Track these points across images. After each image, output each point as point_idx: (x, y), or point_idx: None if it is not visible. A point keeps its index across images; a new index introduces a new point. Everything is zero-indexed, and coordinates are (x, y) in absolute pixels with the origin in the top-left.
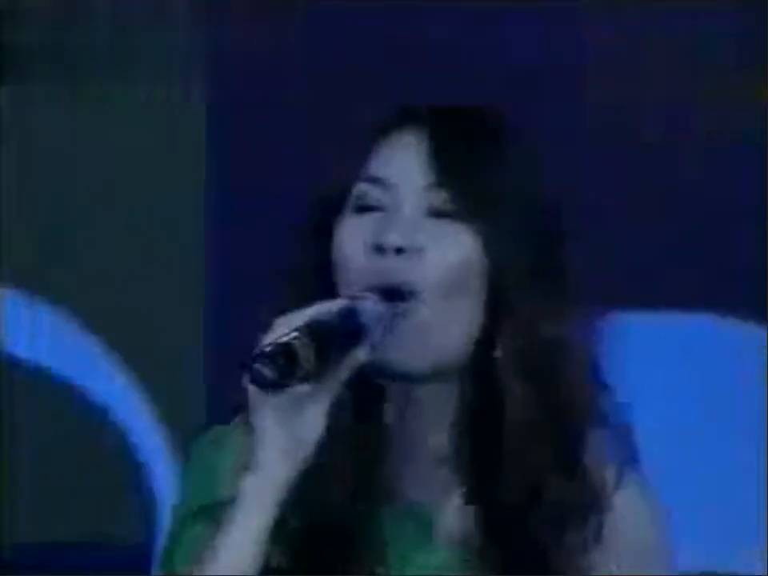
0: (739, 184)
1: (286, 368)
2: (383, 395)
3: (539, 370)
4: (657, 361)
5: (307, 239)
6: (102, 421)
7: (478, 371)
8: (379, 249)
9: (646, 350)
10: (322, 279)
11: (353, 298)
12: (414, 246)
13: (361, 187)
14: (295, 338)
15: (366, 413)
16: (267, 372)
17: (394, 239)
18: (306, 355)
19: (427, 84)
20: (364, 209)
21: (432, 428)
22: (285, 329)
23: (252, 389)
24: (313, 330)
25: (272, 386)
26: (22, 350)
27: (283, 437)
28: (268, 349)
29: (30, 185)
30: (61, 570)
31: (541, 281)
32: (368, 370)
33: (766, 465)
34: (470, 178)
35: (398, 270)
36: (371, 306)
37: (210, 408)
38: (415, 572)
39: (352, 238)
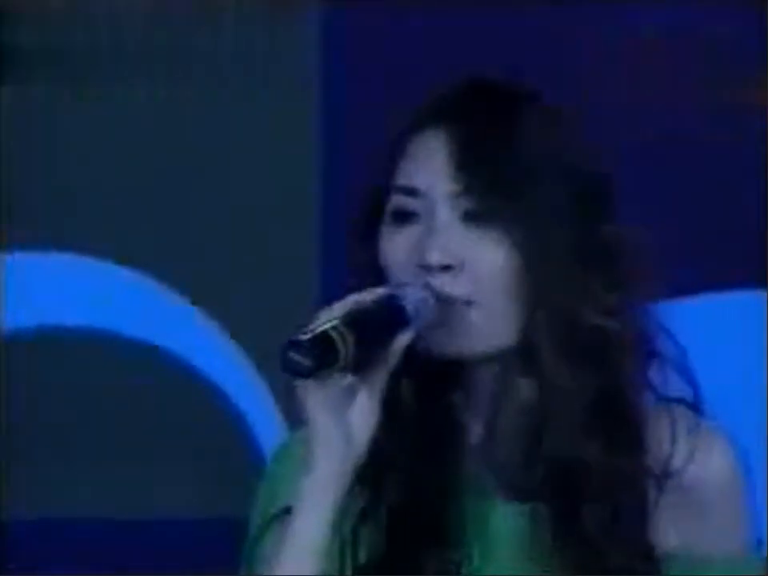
0: (739, 184)
1: (321, 356)
2: (446, 382)
3: (580, 355)
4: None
5: (356, 242)
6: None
7: (525, 359)
8: (425, 267)
9: None
10: (376, 278)
11: (395, 285)
12: (458, 259)
13: (394, 198)
14: (333, 327)
15: (429, 401)
16: (300, 360)
17: (438, 258)
18: (344, 343)
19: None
20: (402, 220)
21: (492, 412)
22: (324, 318)
23: (298, 384)
24: (353, 318)
25: (306, 375)
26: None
27: (335, 431)
28: (303, 337)
29: (30, 185)
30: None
31: (578, 268)
32: (420, 357)
33: (766, 456)
34: (498, 178)
35: (446, 285)
36: (414, 293)
37: None
38: (493, 567)
39: (396, 251)
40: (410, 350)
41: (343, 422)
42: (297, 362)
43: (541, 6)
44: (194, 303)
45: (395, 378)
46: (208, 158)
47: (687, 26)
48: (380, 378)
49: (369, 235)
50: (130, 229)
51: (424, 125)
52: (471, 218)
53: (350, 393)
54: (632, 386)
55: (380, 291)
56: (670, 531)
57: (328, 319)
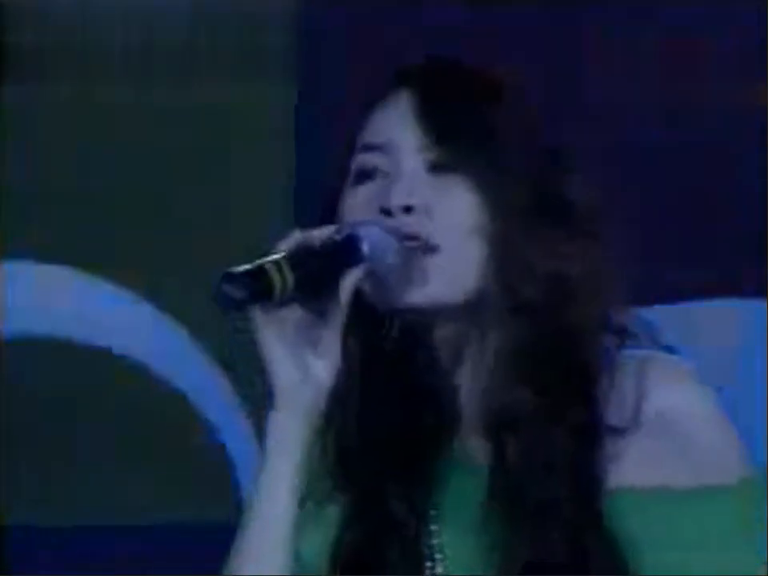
0: (739, 185)
1: (254, 288)
2: (406, 333)
3: (536, 303)
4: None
5: (321, 215)
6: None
7: (482, 310)
8: (387, 212)
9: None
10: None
11: (353, 224)
12: (421, 203)
13: (359, 157)
14: (273, 261)
15: (390, 352)
16: (232, 291)
17: (400, 199)
18: (281, 276)
19: None
20: (364, 177)
21: (461, 367)
22: (270, 255)
23: (247, 319)
24: (297, 253)
25: (238, 306)
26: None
27: (293, 365)
28: (237, 269)
29: (30, 184)
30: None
31: (542, 219)
32: (380, 307)
33: (766, 455)
34: (462, 130)
35: (408, 227)
36: (371, 231)
37: None
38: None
39: (357, 207)
40: (369, 299)
41: (300, 357)
42: (229, 294)
43: (542, 5)
44: (160, 309)
45: (356, 326)
46: (209, 157)
47: (687, 26)
48: (335, 316)
49: (334, 203)
50: (129, 231)
51: (387, 90)
52: (436, 168)
53: (306, 329)
54: (589, 334)
55: (333, 228)
56: (654, 470)
57: (271, 255)
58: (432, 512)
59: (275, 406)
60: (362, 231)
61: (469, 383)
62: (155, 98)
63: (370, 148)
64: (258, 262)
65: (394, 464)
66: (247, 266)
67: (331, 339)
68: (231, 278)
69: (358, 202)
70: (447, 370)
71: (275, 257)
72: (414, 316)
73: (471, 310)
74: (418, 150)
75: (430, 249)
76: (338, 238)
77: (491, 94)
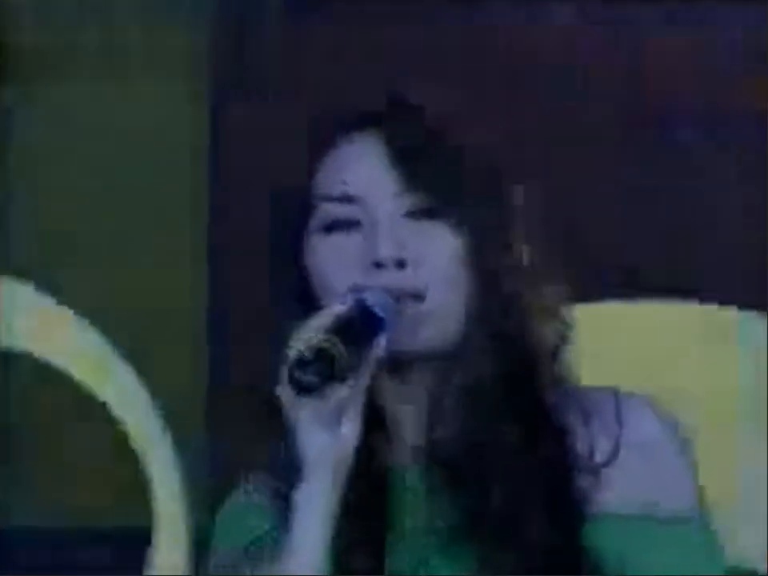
0: (739, 185)
1: (325, 372)
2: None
3: (516, 334)
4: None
5: (276, 255)
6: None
7: (461, 352)
8: (379, 265)
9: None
10: (299, 296)
11: (354, 292)
12: (412, 255)
13: (324, 207)
14: (326, 339)
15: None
16: (308, 379)
17: (392, 253)
18: (340, 355)
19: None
20: (335, 227)
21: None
22: (310, 332)
23: (289, 399)
24: (339, 329)
25: (316, 392)
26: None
27: (328, 440)
28: (305, 355)
29: (30, 184)
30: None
31: (513, 253)
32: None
33: (766, 461)
34: (437, 174)
35: (401, 282)
36: (383, 298)
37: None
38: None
39: (334, 259)
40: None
41: (335, 434)
42: (304, 381)
43: (545, 4)
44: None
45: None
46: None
47: (688, 26)
48: (364, 384)
49: (293, 251)
50: (126, 233)
51: (345, 133)
52: (415, 215)
53: (339, 402)
54: (552, 361)
55: (351, 299)
56: (617, 494)
57: (315, 333)
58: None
59: (306, 475)
60: (372, 299)
61: (425, 417)
62: (155, 97)
63: (337, 200)
64: (315, 342)
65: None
66: (309, 349)
67: (358, 402)
68: (301, 364)
69: (334, 254)
70: (420, 414)
71: (325, 336)
72: (405, 361)
73: (453, 351)
74: (394, 197)
75: (420, 297)
76: (357, 310)
77: (454, 134)
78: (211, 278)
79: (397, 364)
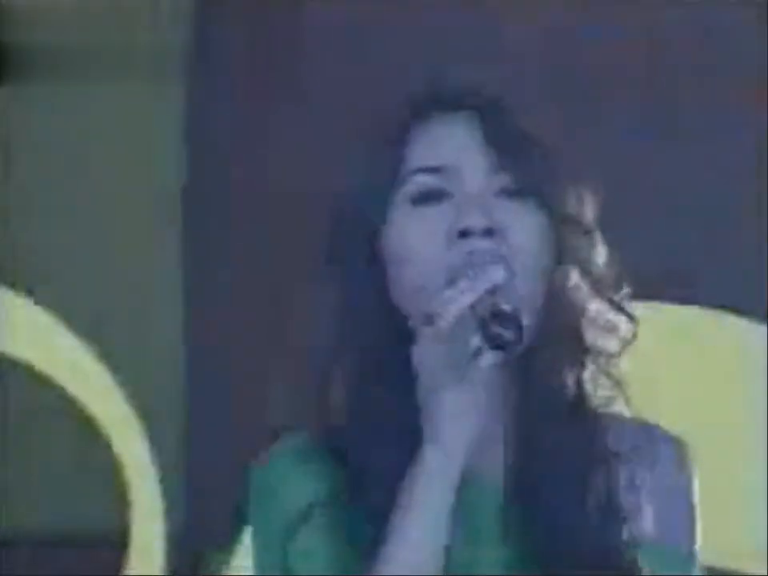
0: (739, 184)
1: (521, 331)
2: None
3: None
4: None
5: (344, 236)
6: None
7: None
8: (465, 233)
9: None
10: (367, 273)
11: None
12: (500, 225)
13: (417, 178)
14: (510, 305)
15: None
16: (509, 335)
17: (480, 221)
18: (517, 312)
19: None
20: (425, 199)
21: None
22: (464, 299)
23: (441, 361)
24: (494, 291)
25: (511, 350)
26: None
27: (463, 403)
28: (506, 310)
29: (30, 184)
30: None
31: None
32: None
33: (766, 462)
34: (526, 158)
35: (488, 250)
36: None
37: (192, 407)
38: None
39: (424, 230)
40: None
41: (469, 396)
42: (505, 337)
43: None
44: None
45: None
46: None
47: (688, 26)
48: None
49: (363, 229)
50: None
51: (428, 112)
52: (504, 193)
53: (471, 377)
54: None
55: (493, 273)
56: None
57: (486, 296)
58: None
59: (437, 441)
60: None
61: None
62: (155, 97)
63: (430, 171)
64: (502, 305)
65: None
66: (505, 308)
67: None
68: (502, 318)
69: (423, 225)
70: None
71: (500, 300)
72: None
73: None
74: (486, 174)
75: (508, 267)
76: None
77: (536, 118)
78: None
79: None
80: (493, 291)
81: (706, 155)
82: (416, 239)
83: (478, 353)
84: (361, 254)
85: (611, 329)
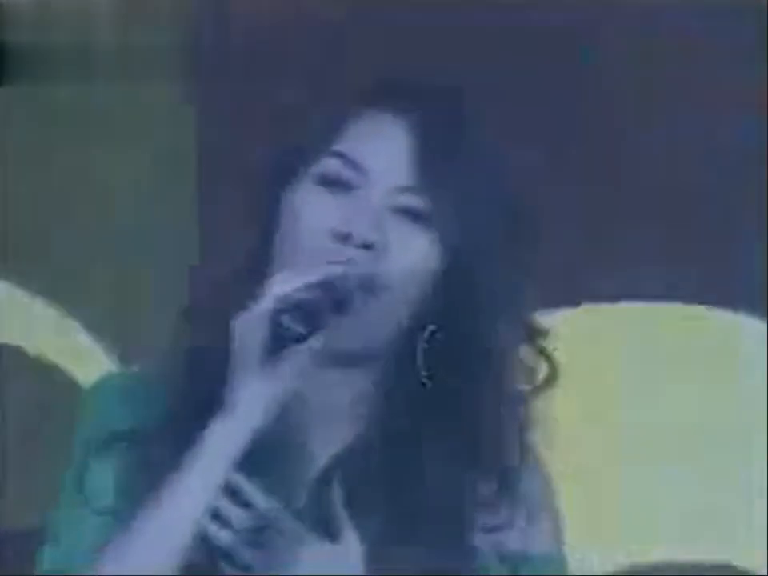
0: (738, 184)
1: (312, 320)
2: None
3: (458, 369)
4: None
5: (254, 207)
6: None
7: (404, 357)
8: (347, 238)
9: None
10: (263, 248)
11: (325, 268)
12: (382, 242)
13: (329, 162)
14: (311, 293)
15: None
16: (297, 326)
17: (364, 233)
18: (322, 311)
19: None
20: (328, 183)
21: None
22: (293, 284)
23: (244, 344)
24: (323, 287)
25: (298, 341)
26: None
27: (264, 391)
28: (296, 299)
29: (29, 184)
30: None
31: (483, 288)
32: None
33: (766, 462)
34: (444, 183)
35: (361, 264)
36: (353, 281)
37: None
38: None
39: (314, 215)
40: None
41: (274, 380)
42: (292, 329)
43: (544, 5)
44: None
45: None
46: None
47: (688, 27)
48: (310, 355)
49: (271, 202)
50: (125, 229)
51: (373, 103)
52: (404, 211)
53: (281, 362)
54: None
55: (331, 268)
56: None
57: (301, 284)
58: None
59: (231, 413)
60: (344, 278)
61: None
62: (155, 98)
63: (343, 157)
64: (303, 294)
65: None
66: (297, 299)
67: (301, 365)
68: (291, 310)
69: (315, 210)
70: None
71: (311, 289)
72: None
73: (389, 353)
74: (393, 187)
75: (378, 289)
76: (320, 282)
77: (477, 145)
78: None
79: (336, 355)
80: (317, 287)
81: (706, 155)
82: (304, 221)
83: (271, 340)
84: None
85: (528, 371)
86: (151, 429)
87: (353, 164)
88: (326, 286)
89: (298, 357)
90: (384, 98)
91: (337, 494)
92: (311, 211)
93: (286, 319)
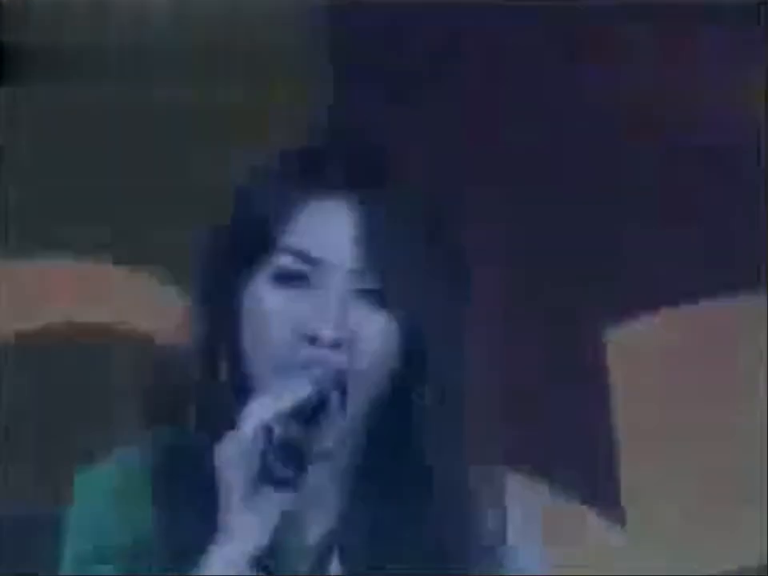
0: (738, 184)
1: (298, 462)
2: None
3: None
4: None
5: (215, 279)
6: None
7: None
8: (313, 340)
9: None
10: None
11: (317, 384)
12: (349, 337)
13: (282, 259)
14: (292, 429)
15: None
16: (285, 473)
17: (330, 333)
18: (306, 450)
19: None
20: (284, 279)
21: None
22: (271, 410)
23: (233, 474)
24: (295, 416)
25: (291, 485)
26: None
27: (258, 515)
28: (292, 442)
29: (29, 184)
30: None
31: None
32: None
33: (766, 459)
34: (396, 261)
35: (332, 361)
36: (334, 397)
37: None
38: None
39: (276, 317)
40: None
41: (269, 501)
42: (281, 474)
43: (534, 5)
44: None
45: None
46: (207, 157)
47: (687, 26)
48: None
49: (229, 286)
50: (126, 227)
51: (320, 192)
52: (362, 293)
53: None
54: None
55: (304, 390)
56: None
57: (276, 417)
58: None
59: (227, 540)
60: (326, 395)
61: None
62: (154, 98)
63: (297, 254)
64: (282, 433)
65: None
66: (281, 440)
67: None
68: (277, 453)
69: (276, 311)
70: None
71: (290, 427)
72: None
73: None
74: (349, 273)
75: (351, 382)
76: (310, 401)
77: (426, 224)
78: None
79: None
80: (297, 413)
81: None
82: (266, 324)
83: (259, 480)
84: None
85: None
86: (143, 543)
87: (307, 258)
88: (303, 407)
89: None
90: (325, 189)
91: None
92: (272, 310)
93: (271, 460)
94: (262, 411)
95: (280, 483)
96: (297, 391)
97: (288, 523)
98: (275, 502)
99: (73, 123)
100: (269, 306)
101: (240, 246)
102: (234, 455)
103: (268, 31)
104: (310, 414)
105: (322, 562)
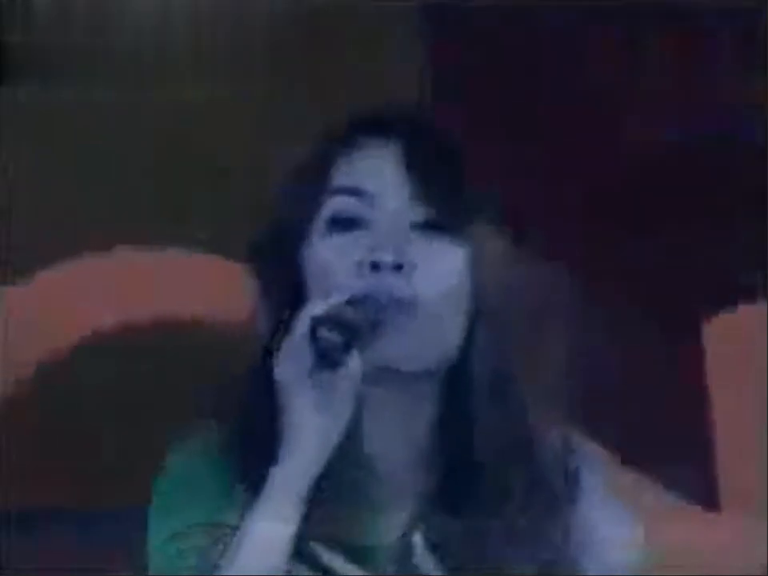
0: (738, 184)
1: (349, 334)
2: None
3: (505, 384)
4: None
5: (269, 256)
6: None
7: (456, 377)
8: (375, 266)
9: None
10: (290, 296)
11: (350, 288)
12: (410, 262)
13: (335, 200)
14: (344, 310)
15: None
16: (334, 336)
17: (391, 257)
18: (357, 322)
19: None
20: (343, 223)
21: (407, 427)
22: (325, 305)
23: (291, 372)
24: (354, 304)
25: (338, 351)
26: None
27: (320, 421)
28: (331, 314)
29: (28, 184)
30: None
31: (520, 298)
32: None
33: (766, 457)
34: (450, 192)
35: (396, 286)
36: (371, 298)
37: None
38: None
39: (338, 256)
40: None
41: (328, 414)
42: (332, 340)
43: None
44: None
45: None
46: (206, 159)
47: (687, 26)
48: (357, 375)
49: (291, 249)
50: (127, 228)
51: (366, 135)
52: (421, 227)
53: (332, 389)
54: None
55: (347, 294)
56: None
57: (335, 301)
58: None
59: (289, 457)
60: (362, 299)
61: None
62: (154, 99)
63: (350, 192)
64: (332, 312)
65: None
66: (334, 311)
67: (351, 393)
68: (327, 321)
69: (338, 252)
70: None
71: (340, 308)
72: (386, 375)
73: (433, 375)
74: (405, 207)
75: (413, 309)
76: (353, 302)
77: (466, 155)
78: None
79: (382, 373)
80: (349, 304)
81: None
82: (328, 266)
83: (318, 361)
84: (278, 267)
85: None
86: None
87: (356, 194)
88: (357, 302)
89: (347, 382)
90: (367, 126)
91: (423, 557)
92: (333, 257)
93: (322, 331)
94: (315, 306)
95: (331, 350)
96: (350, 291)
97: (370, 507)
98: (334, 401)
99: (72, 123)
100: (330, 249)
101: (295, 197)
102: (289, 349)
103: (266, 31)
104: (364, 312)
105: (405, 560)
